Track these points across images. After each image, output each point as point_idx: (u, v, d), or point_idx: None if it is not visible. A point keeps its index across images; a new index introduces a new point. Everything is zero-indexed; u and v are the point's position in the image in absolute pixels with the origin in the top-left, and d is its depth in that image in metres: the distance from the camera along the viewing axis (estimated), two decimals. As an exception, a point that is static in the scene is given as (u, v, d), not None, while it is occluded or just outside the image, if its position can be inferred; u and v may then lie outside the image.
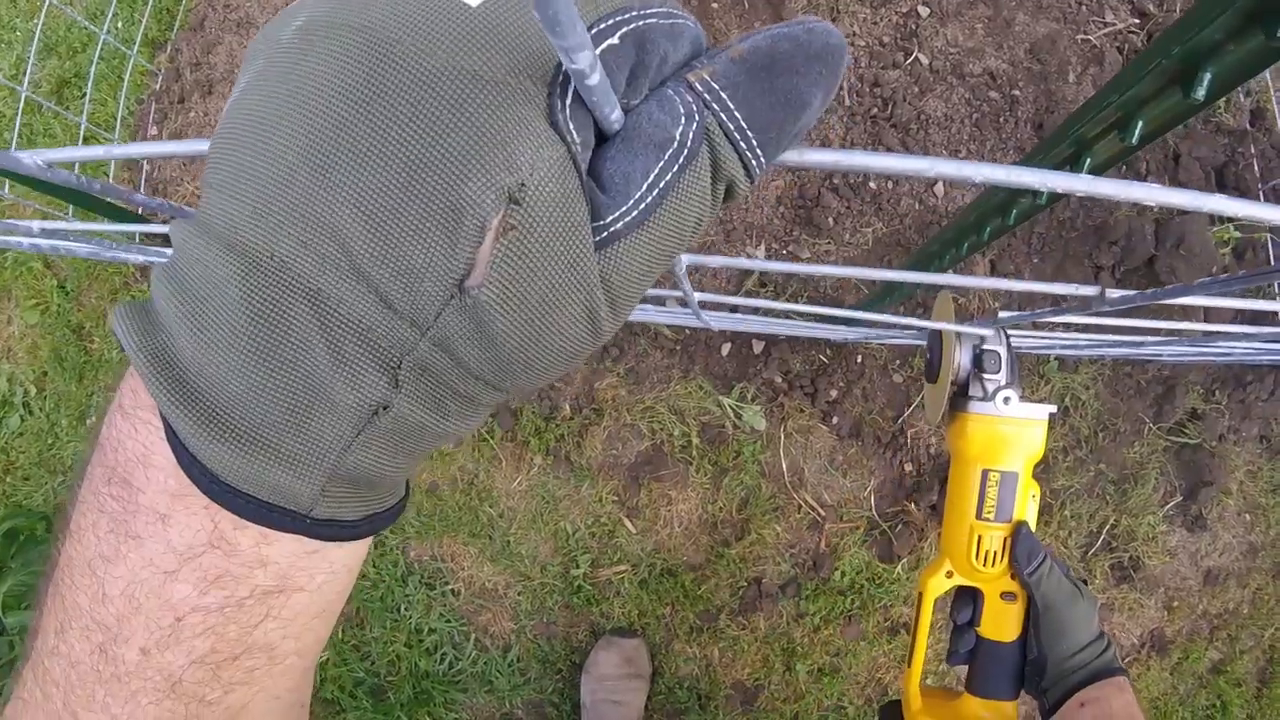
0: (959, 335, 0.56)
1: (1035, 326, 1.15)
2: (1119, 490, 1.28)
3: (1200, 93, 0.36)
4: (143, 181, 1.49)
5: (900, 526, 1.20)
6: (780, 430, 1.17)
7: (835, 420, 1.17)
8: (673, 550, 1.21)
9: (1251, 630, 1.42)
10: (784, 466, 1.17)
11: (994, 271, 1.22)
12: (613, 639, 1.20)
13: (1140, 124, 0.40)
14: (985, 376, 0.55)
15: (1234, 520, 1.37)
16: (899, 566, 1.18)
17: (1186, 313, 1.32)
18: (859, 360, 1.17)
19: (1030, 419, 0.55)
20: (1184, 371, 1.31)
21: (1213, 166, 1.33)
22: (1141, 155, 1.30)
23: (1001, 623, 0.57)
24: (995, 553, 0.55)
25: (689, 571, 1.20)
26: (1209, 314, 1.32)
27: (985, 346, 0.56)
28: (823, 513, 1.18)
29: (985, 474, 0.55)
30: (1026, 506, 0.57)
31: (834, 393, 1.17)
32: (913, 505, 1.20)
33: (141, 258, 0.70)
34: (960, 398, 0.57)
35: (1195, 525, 1.35)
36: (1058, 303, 1.22)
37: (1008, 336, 0.57)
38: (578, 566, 1.21)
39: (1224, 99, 1.34)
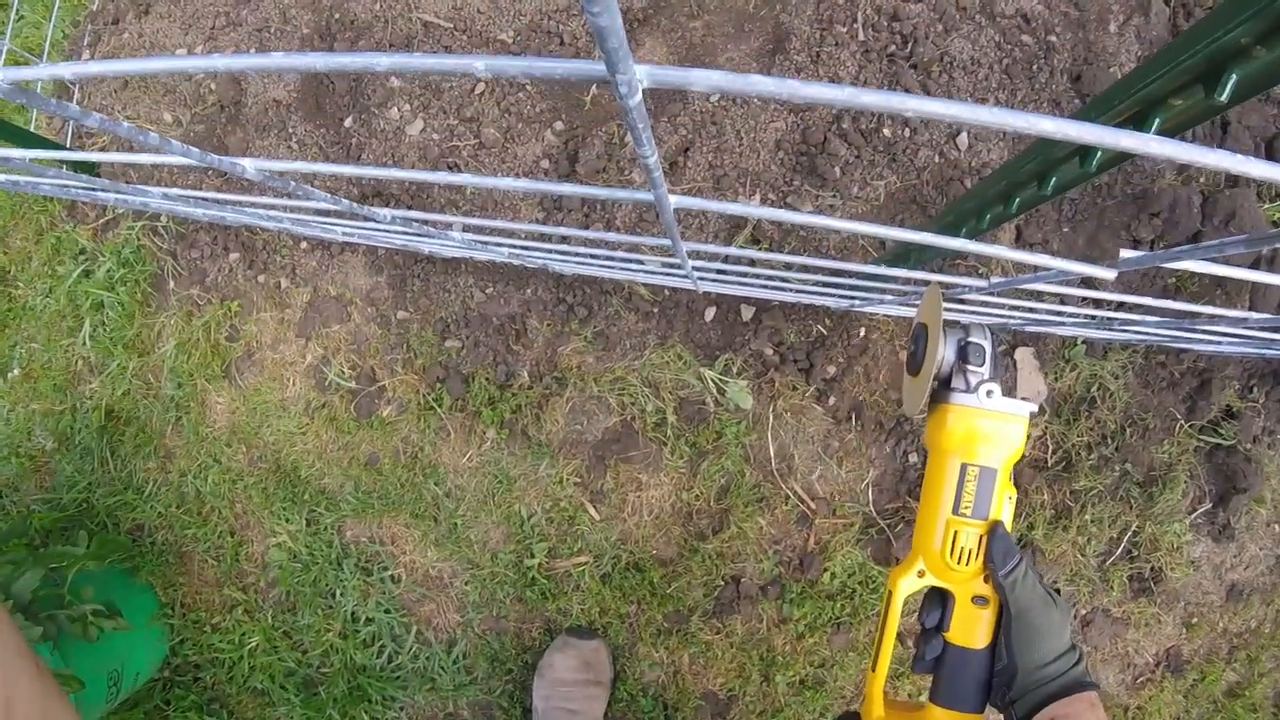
0: (944, 327, 0.53)
1: (1058, 300, 0.97)
2: (1145, 493, 1.10)
3: (1224, 96, 0.33)
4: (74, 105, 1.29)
5: (900, 525, 1.03)
6: (769, 410, 0.99)
7: (832, 401, 0.99)
8: (641, 542, 1.03)
9: (1273, 652, 1.26)
10: (771, 451, 1.00)
11: (1019, 239, 1.04)
12: (570, 640, 1.02)
13: (1158, 120, 0.38)
14: (969, 369, 0.53)
15: (1263, 531, 1.20)
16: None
17: (1230, 298, 1.14)
18: (862, 333, 0.99)
19: (1012, 414, 0.53)
20: (1220, 365, 1.14)
21: (1263, 138, 1.15)
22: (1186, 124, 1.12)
23: (971, 628, 0.53)
24: (970, 550, 0.52)
25: (658, 566, 1.03)
26: (1254, 301, 1.15)
27: (970, 339, 0.53)
28: (813, 506, 1.00)
29: (964, 468, 0.53)
30: (1003, 506, 0.53)
31: (832, 369, 0.99)
32: (915, 501, 1.03)
33: (67, 190, 0.54)
34: (942, 389, 0.54)
35: (1222, 535, 1.18)
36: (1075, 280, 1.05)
37: (993, 331, 0.55)
38: (533, 556, 1.03)
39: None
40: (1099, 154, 0.48)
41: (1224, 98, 0.33)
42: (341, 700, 1.12)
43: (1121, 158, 0.49)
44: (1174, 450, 1.11)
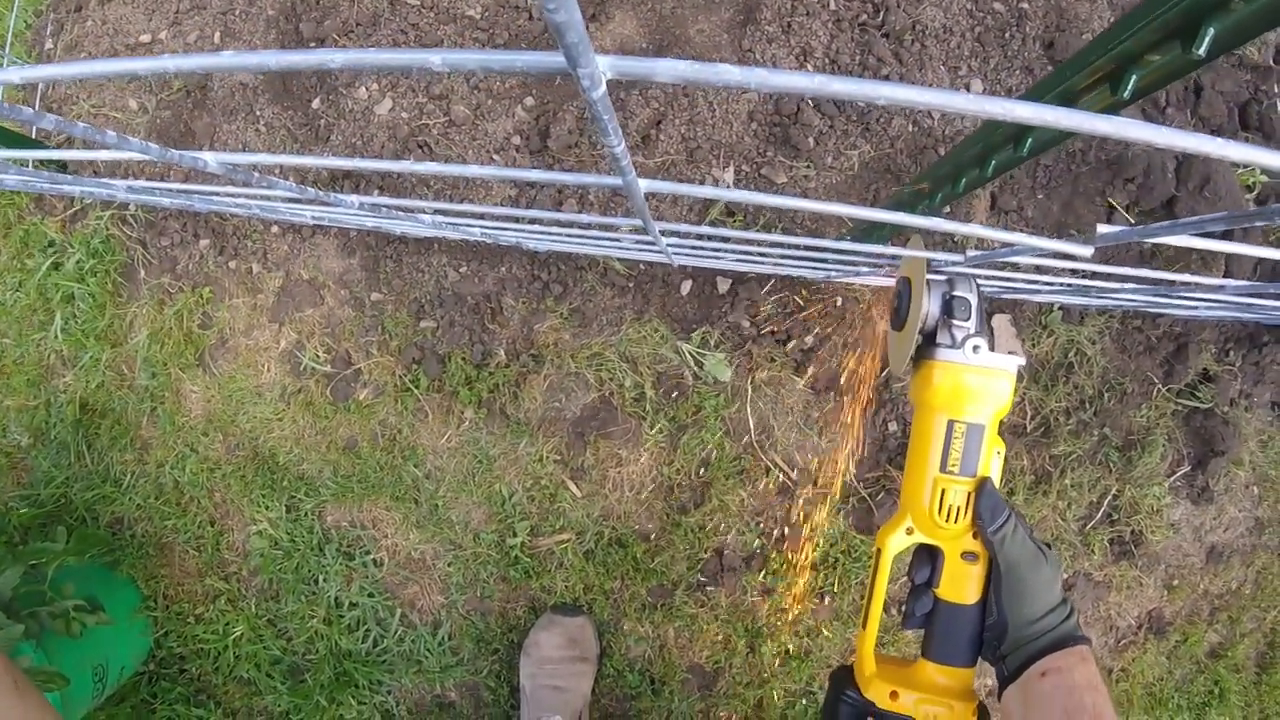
0: (929, 280, 0.52)
1: (1034, 270, 0.97)
2: (1124, 457, 1.10)
3: (1201, 50, 0.33)
4: (38, 100, 1.27)
5: (881, 494, 1.03)
6: (747, 382, 0.98)
7: (810, 371, 0.98)
8: (623, 517, 1.02)
9: (1253, 612, 1.27)
10: (751, 423, 0.99)
11: (994, 206, 1.03)
12: (555, 617, 1.01)
13: (1134, 78, 0.37)
14: (954, 323, 0.51)
15: (1241, 493, 1.20)
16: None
17: (1206, 264, 1.14)
18: (839, 303, 0.98)
19: (999, 369, 0.51)
20: (1197, 329, 1.14)
21: (1236, 103, 1.14)
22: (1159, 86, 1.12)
23: (961, 584, 0.52)
24: (958, 508, 0.51)
25: (641, 541, 1.02)
26: (1230, 267, 1.15)
27: (955, 293, 0.52)
28: (794, 476, 1.00)
29: (951, 425, 0.51)
30: (991, 462, 0.52)
31: (810, 340, 0.98)
32: (896, 470, 1.03)
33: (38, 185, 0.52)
34: (927, 345, 0.52)
35: (1201, 497, 1.18)
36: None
37: (978, 284, 0.53)
38: (515, 535, 1.02)
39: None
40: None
41: (1202, 51, 0.32)
42: (328, 686, 1.10)
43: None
44: (1152, 414, 1.11)
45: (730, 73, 0.19)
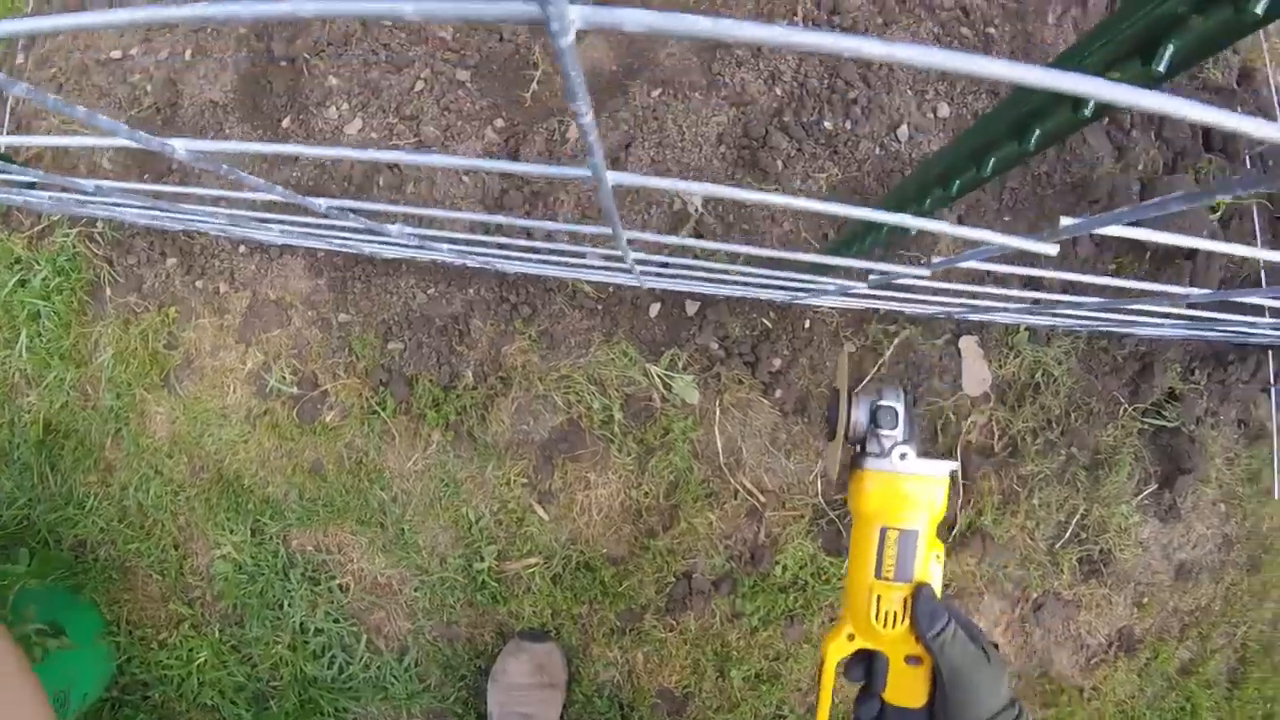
0: (855, 392, 0.53)
1: (1001, 287, 0.95)
2: (1091, 477, 1.09)
3: (1161, 66, 0.33)
4: (6, 110, 1.23)
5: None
6: (715, 404, 0.96)
7: (779, 394, 0.96)
8: (591, 541, 1.00)
9: (1223, 628, 1.25)
10: (719, 446, 0.97)
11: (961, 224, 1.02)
12: (522, 643, 0.98)
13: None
14: (881, 433, 0.52)
15: (1209, 510, 1.19)
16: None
17: (1171, 280, 1.14)
18: (807, 325, 0.96)
19: (929, 476, 0.51)
20: (1162, 348, 1.13)
21: (1200, 126, 1.15)
22: (1123, 110, 1.12)
23: (907, 688, 0.51)
24: (895, 613, 0.51)
25: (609, 565, 0.99)
26: (1194, 277, 1.14)
27: (881, 402, 0.53)
28: (763, 499, 0.98)
29: (884, 531, 0.51)
30: (929, 567, 0.52)
31: (778, 362, 0.96)
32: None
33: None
34: (858, 455, 0.53)
35: (1169, 515, 1.17)
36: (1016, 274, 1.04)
37: (907, 393, 0.54)
38: (482, 559, 0.99)
39: (1212, 57, 1.17)
40: (1036, 133, 0.47)
41: (1161, 68, 0.32)
42: (293, 714, 1.06)
43: (1066, 131, 0.47)
44: (1119, 433, 1.10)
45: (699, 23, 0.18)
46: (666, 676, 1.00)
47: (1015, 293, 0.75)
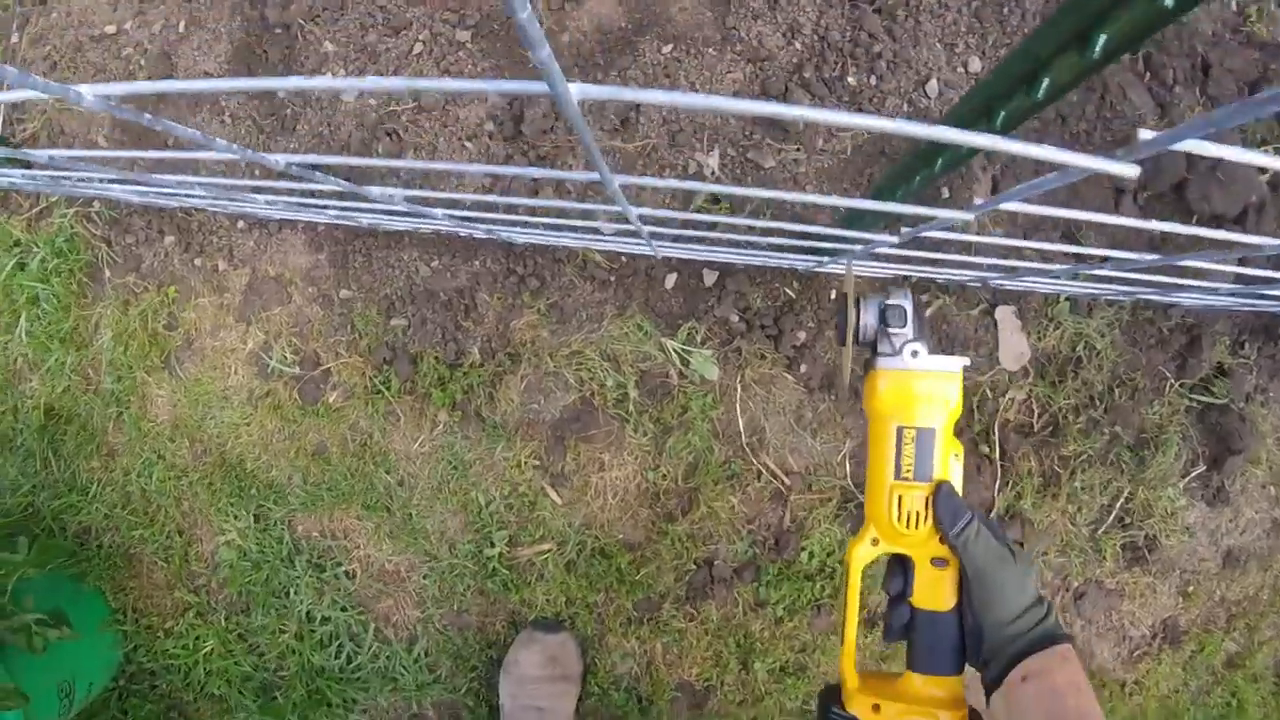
0: (863, 294, 0.54)
1: (1041, 257, 0.89)
2: (1136, 457, 1.02)
3: (1095, 54, 0.35)
4: None
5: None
6: (736, 380, 0.90)
7: (803, 369, 0.90)
8: (606, 526, 0.94)
9: (1272, 619, 1.18)
10: (741, 425, 0.91)
11: (996, 190, 0.95)
12: (535, 634, 0.93)
13: (1047, 79, 0.39)
14: (891, 332, 0.52)
15: (1258, 494, 1.11)
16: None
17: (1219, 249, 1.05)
18: (833, 296, 0.90)
19: (942, 371, 0.51)
20: (1210, 320, 1.05)
21: (1246, 81, 1.06)
22: (1168, 63, 1.04)
23: (935, 591, 0.51)
24: (918, 513, 0.51)
25: (626, 552, 0.94)
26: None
27: (890, 301, 0.52)
28: (787, 481, 0.91)
29: (900, 431, 0.51)
30: (948, 465, 0.51)
31: (802, 335, 0.90)
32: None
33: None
34: (870, 355, 0.53)
35: (1217, 499, 1.09)
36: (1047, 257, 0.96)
37: (914, 291, 0.53)
38: (492, 545, 0.94)
39: (1256, 8, 1.09)
40: (1046, 82, 0.43)
41: (1095, 55, 0.34)
42: (301, 705, 1.02)
43: (1081, 74, 0.43)
44: (1165, 411, 1.02)
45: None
46: (686, 668, 0.95)
47: (1057, 247, 0.68)
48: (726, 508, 0.91)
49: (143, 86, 0.32)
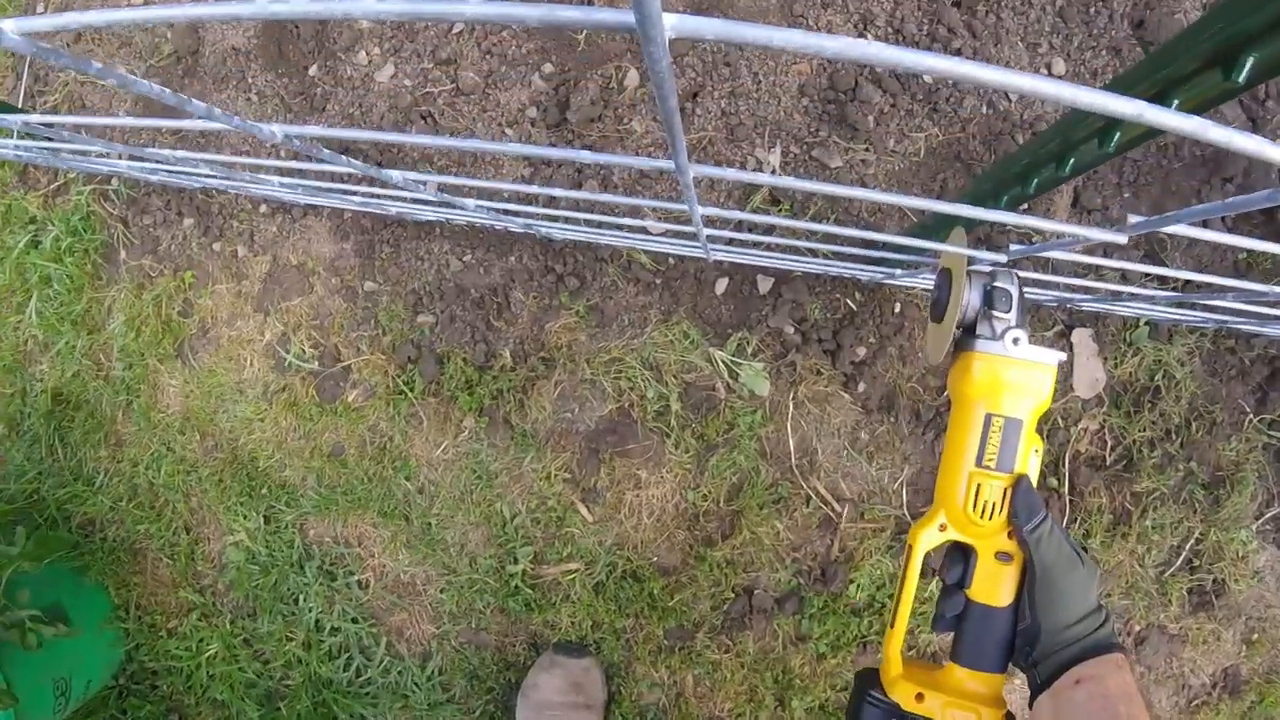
0: (970, 272, 0.50)
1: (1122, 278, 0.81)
2: (1210, 496, 0.93)
3: (1240, 76, 0.32)
4: (26, 69, 1.13)
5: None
6: (788, 397, 0.82)
7: (861, 387, 0.81)
8: (639, 547, 0.86)
9: (1339, 671, 1.08)
10: (791, 445, 0.82)
11: (1077, 204, 0.86)
12: (558, 657, 0.85)
13: (1176, 101, 0.36)
14: (995, 315, 0.49)
15: (1332, 538, 1.02)
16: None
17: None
18: (897, 309, 0.81)
19: (1039, 363, 0.49)
20: (1293, 351, 0.96)
21: (1342, 98, 0.97)
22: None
23: (994, 585, 0.50)
24: (994, 504, 0.49)
25: (659, 576, 0.86)
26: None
27: (996, 284, 0.49)
28: (838, 508, 0.83)
29: (988, 418, 0.49)
30: (1029, 460, 0.50)
31: (862, 351, 0.81)
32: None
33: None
34: (966, 337, 0.51)
35: (1290, 542, 1.00)
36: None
37: (1019, 275, 0.51)
38: (516, 561, 0.86)
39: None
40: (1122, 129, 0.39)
41: (1241, 79, 0.32)
42: (306, 717, 0.95)
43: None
44: (1242, 448, 0.93)
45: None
46: (719, 703, 0.87)
47: (1138, 267, 0.60)
48: (770, 534, 0.83)
49: (68, 18, 0.24)
